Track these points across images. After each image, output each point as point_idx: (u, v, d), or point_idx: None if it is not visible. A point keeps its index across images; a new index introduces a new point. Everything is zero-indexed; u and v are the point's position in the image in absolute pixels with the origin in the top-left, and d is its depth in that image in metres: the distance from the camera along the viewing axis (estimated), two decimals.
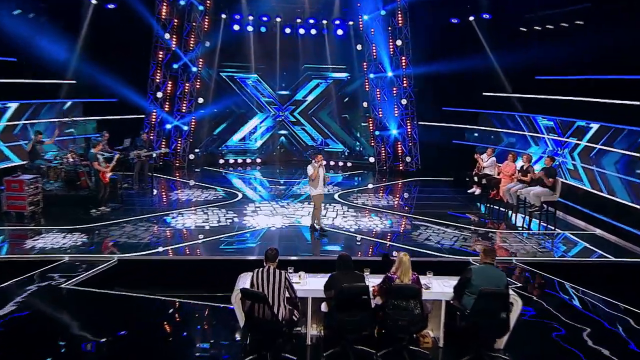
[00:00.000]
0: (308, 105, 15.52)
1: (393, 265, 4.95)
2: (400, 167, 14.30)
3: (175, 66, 13.74)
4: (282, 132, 15.51)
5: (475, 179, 10.83)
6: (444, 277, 5.55)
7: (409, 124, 14.29)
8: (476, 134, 13.78)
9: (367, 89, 14.69)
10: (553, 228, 8.96)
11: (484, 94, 13.16)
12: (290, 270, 5.14)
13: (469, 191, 11.00)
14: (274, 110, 15.46)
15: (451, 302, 5.11)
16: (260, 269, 4.63)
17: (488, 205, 10.18)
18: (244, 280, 5.15)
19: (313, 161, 7.62)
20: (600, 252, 7.83)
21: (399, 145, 14.45)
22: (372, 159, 14.79)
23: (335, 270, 4.90)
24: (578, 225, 9.60)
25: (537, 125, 11.87)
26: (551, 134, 11.28)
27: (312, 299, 5.23)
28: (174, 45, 13.49)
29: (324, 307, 5.06)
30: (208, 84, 14.51)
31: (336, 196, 10.92)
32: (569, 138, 10.68)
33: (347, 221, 8.76)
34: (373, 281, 4.99)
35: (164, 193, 11.20)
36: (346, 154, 15.35)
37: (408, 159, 14.33)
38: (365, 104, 14.85)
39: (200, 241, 7.66)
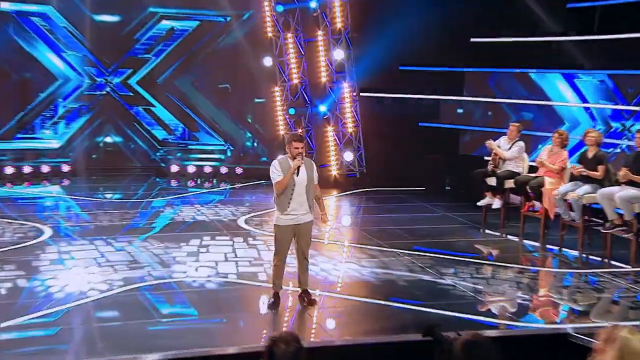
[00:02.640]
0: (156, 67, 14.80)
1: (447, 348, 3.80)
2: (334, 172, 13.50)
3: None
4: (108, 137, 14.80)
5: (491, 181, 9.72)
6: None
7: (347, 96, 13.41)
8: (460, 110, 13.20)
9: (271, 34, 13.82)
10: None
11: (473, 40, 12.51)
12: None
13: (479, 203, 9.90)
14: (91, 75, 14.61)
15: None
16: None
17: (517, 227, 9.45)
18: None
19: (282, 155, 6.40)
20: None
21: (329, 133, 13.55)
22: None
23: None
24: None
25: (573, 87, 11.15)
26: (603, 100, 10.65)
27: None
28: None
29: None
30: None
31: (242, 222, 10.12)
32: None
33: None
34: None
35: None
36: (229, 153, 14.81)
37: (348, 157, 13.48)
38: (268, 62, 13.92)
39: None
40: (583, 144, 8.95)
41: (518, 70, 11.96)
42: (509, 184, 9.52)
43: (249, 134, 14.75)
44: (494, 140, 9.88)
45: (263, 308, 6.61)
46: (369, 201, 12.24)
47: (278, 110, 13.83)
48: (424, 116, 13.37)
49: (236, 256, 8.17)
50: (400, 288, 7.33)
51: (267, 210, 10.85)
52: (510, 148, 9.60)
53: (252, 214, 10.67)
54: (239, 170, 14.12)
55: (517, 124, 9.81)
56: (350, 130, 13.43)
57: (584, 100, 10.95)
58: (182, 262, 7.87)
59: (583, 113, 11.00)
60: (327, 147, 13.52)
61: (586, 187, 8.53)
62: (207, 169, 14.27)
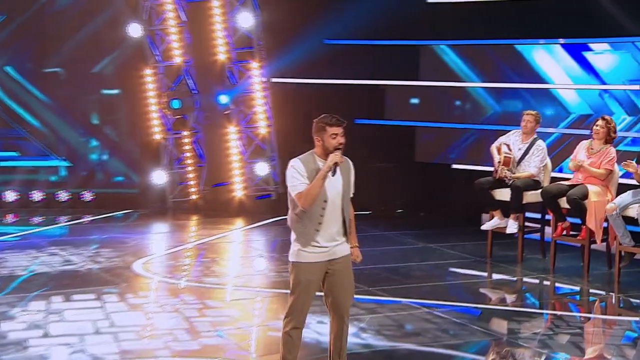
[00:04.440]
0: None
1: None
2: (239, 194, 13.29)
3: None
4: None
5: (501, 194, 9.66)
6: None
7: (255, 82, 13.25)
8: (415, 100, 13.12)
9: None
10: None
11: (430, 0, 12.45)
12: None
13: (485, 227, 9.92)
14: None
15: None
16: None
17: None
18: None
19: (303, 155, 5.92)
20: None
21: (230, 136, 13.21)
22: (159, 177, 13.44)
23: None
24: None
25: (581, 63, 11.07)
26: (632, 80, 10.58)
27: None
28: None
29: None
30: None
31: (140, 266, 9.93)
32: None
33: None
34: None
35: None
36: (63, 172, 14.06)
37: (261, 170, 13.37)
38: (135, 31, 13.16)
39: None
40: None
41: (498, 42, 11.93)
42: (530, 197, 9.34)
43: (94, 142, 13.86)
44: (501, 137, 9.73)
45: None
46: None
47: (150, 104, 13.17)
48: (363, 110, 13.08)
49: (113, 325, 7.55)
50: None
51: (154, 256, 10.40)
52: (527, 151, 9.45)
53: (147, 257, 10.16)
54: (87, 197, 13.51)
55: (534, 113, 9.66)
56: (262, 131, 13.13)
57: (601, 80, 10.92)
58: (15, 343, 7.11)
59: (597, 98, 10.87)
60: (227, 157, 13.21)
61: None
62: (37, 196, 13.58)
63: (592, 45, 10.99)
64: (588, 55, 11.06)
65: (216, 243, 11.40)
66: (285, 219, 12.45)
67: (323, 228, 5.54)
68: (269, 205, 13.11)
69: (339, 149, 5.48)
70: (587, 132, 10.91)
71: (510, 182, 9.46)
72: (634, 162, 8.52)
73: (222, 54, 13.01)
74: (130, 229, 12.32)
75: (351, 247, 5.82)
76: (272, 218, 12.52)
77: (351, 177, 5.73)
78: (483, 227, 9.82)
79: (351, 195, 5.79)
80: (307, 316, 5.82)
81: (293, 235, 5.69)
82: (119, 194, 13.70)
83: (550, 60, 11.49)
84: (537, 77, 11.62)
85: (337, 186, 5.56)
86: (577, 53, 11.11)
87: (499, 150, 9.54)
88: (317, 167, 5.47)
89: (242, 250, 11.37)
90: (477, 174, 11.47)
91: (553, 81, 11.56)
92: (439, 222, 11.78)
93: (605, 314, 8.34)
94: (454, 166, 12.04)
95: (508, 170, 9.42)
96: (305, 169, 5.50)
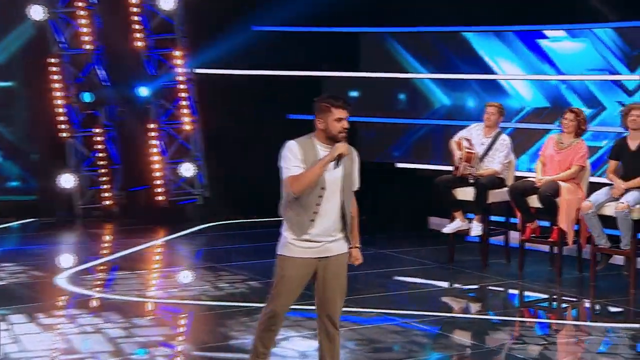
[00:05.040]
0: None
1: None
2: (160, 198, 13.10)
3: None
4: None
5: (464, 194, 9.68)
6: None
7: (179, 72, 13.05)
8: (355, 93, 13.11)
9: None
10: None
11: None
12: None
13: (446, 230, 9.91)
14: None
15: None
16: None
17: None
18: None
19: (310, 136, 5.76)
20: None
21: (145, 133, 13.10)
22: (66, 181, 13.19)
23: None
24: None
25: (535, 51, 11.05)
26: (591, 70, 10.65)
27: None
28: None
29: None
30: None
31: (52, 281, 9.93)
32: None
33: None
34: None
35: None
36: None
37: (186, 171, 13.19)
38: (36, 14, 12.74)
39: None
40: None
41: (445, 29, 11.88)
42: (495, 196, 9.32)
43: None
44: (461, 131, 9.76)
45: None
46: (234, 240, 11.59)
47: (54, 97, 12.71)
48: (296, 104, 12.53)
49: (24, 349, 7.31)
50: None
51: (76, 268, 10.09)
52: (491, 146, 9.38)
53: (59, 272, 9.74)
54: None
55: (497, 104, 9.64)
56: (186, 128, 12.82)
57: (557, 70, 10.85)
58: None
59: (554, 90, 10.88)
60: (146, 157, 12.90)
61: (637, 194, 8.35)
62: None
63: (547, 32, 10.98)
64: (543, 43, 11.01)
65: (136, 254, 11.19)
66: (215, 225, 11.27)
67: (318, 219, 5.41)
68: (194, 211, 13.03)
69: (342, 134, 5.35)
70: (542, 126, 10.92)
71: (474, 180, 9.28)
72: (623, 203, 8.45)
73: (138, 42, 12.73)
74: (33, 240, 12.01)
75: (350, 248, 5.65)
76: (198, 225, 12.47)
77: (354, 169, 5.62)
78: (444, 230, 9.78)
79: (355, 189, 5.66)
80: (289, 307, 5.71)
81: (284, 225, 5.56)
82: (15, 202, 13.36)
83: (501, 48, 11.47)
84: (488, 68, 11.62)
85: (337, 175, 5.43)
86: (530, 41, 11.11)
87: (459, 145, 9.37)
88: (316, 154, 5.34)
89: (166, 262, 11.24)
90: (422, 173, 11.33)
91: (505, 71, 11.45)
92: (383, 226, 11.77)
93: (580, 321, 8.38)
94: (398, 165, 11.85)
95: (470, 167, 9.20)
96: (303, 152, 5.37)
